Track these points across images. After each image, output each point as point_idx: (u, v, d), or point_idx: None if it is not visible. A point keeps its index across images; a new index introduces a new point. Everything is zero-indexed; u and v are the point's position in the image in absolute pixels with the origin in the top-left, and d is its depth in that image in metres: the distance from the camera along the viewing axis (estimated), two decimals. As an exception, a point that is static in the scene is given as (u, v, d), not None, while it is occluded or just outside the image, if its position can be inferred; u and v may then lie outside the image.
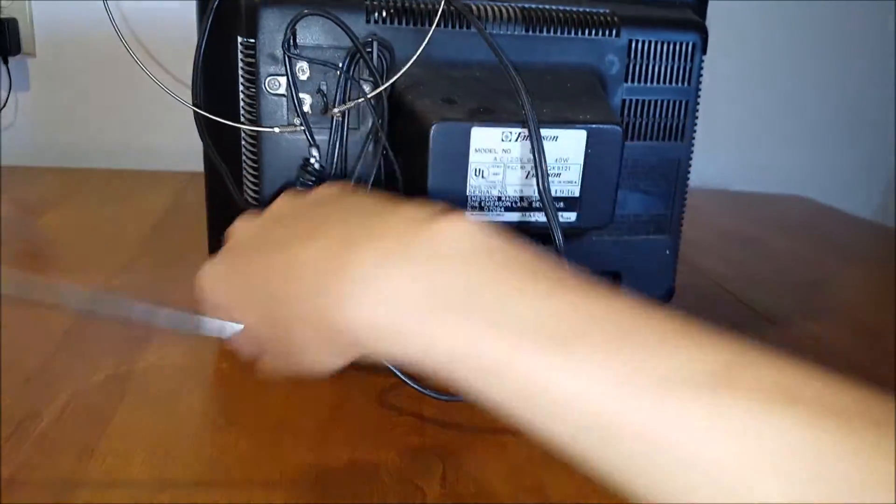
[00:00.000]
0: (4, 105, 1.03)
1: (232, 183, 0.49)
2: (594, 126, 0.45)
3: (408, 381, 0.48)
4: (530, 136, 0.42)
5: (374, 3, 0.47)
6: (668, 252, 0.57)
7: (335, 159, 0.48)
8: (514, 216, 0.45)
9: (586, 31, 0.51)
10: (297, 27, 0.46)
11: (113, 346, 0.54)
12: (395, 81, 0.46)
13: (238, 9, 0.47)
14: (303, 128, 0.47)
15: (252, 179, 0.50)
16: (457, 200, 0.44)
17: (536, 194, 0.44)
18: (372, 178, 0.47)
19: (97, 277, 0.67)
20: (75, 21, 1.01)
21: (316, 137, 0.48)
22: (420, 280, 0.26)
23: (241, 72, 0.48)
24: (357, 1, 0.47)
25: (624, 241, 0.56)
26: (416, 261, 0.27)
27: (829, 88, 1.31)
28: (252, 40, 0.47)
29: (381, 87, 0.46)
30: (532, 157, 0.42)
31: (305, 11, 0.45)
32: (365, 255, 0.27)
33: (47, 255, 0.74)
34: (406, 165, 0.46)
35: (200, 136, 0.51)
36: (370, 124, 0.48)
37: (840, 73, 1.30)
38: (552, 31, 0.50)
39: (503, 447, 0.45)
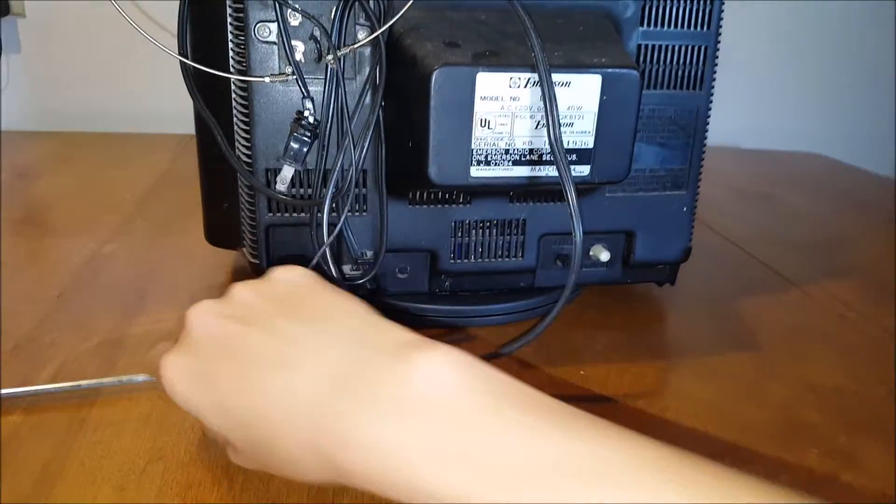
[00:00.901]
0: (-5, 67, 1.00)
1: (222, 138, 0.46)
2: (609, 70, 0.42)
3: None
4: (541, 80, 0.39)
5: (370, -59, 0.43)
6: (684, 209, 0.54)
7: (330, 111, 0.45)
8: (523, 170, 0.42)
9: (599, -28, 0.47)
10: (288, -32, 0.43)
11: (107, 311, 0.52)
12: (392, 25, 0.43)
13: (224, -50, 0.44)
14: (295, 77, 0.44)
15: (244, 135, 0.47)
16: (461, 154, 0.41)
17: (547, 146, 0.41)
18: (370, 133, 0.45)
19: (90, 241, 0.64)
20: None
21: (310, 88, 0.45)
22: (408, 430, 0.27)
23: (229, 19, 0.45)
24: (352, -61, 0.43)
25: (639, 197, 0.53)
26: (403, 410, 0.28)
27: (847, 42, 1.26)
28: (239, -17, 0.43)
29: (378, 31, 0.42)
30: (542, 104, 0.39)
31: (296, -50, 0.42)
32: (356, 402, 0.28)
33: (42, 219, 0.72)
34: (405, 117, 0.43)
35: (188, 88, 0.48)
36: (367, 73, 0.45)
37: (858, 26, 1.25)
38: (563, -29, 0.47)
39: None
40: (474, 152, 0.41)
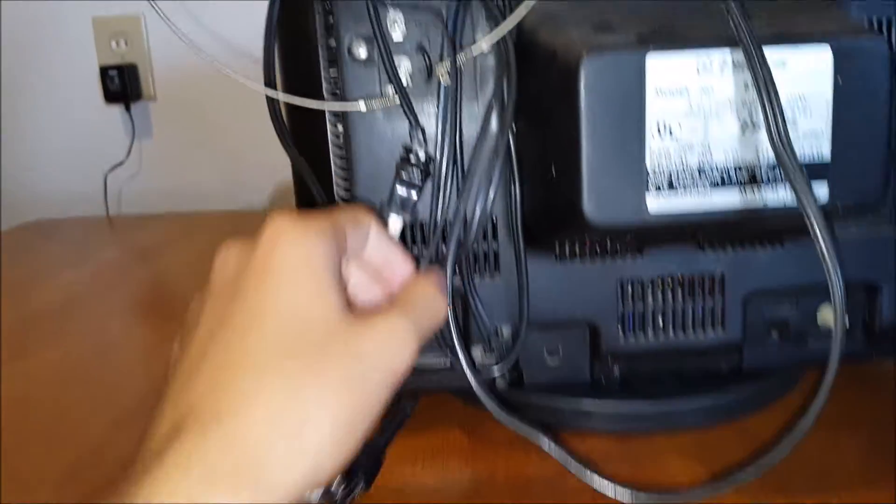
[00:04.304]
0: (129, 154, 1.00)
1: (315, 184, 0.36)
2: (845, 41, 0.28)
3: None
4: (748, 57, 0.26)
5: (488, -80, 0.33)
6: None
7: (446, 143, 0.34)
8: (729, 196, 0.28)
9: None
10: (385, -35, 0.33)
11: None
12: (522, 16, 0.31)
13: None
14: (399, 100, 0.33)
15: (342, 182, 0.37)
16: (630, 177, 0.28)
17: (764, 157, 0.27)
18: (499, 167, 0.33)
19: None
20: (194, 62, 0.96)
21: (420, 116, 0.34)
22: None
23: (319, 38, 0.36)
24: (464, -80, 0.33)
25: (882, 235, 0.37)
26: None
27: None
28: (328, -9, 0.34)
29: (504, 24, 0.31)
30: (755, 93, 0.26)
31: (393, -60, 0.32)
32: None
33: (156, 298, 0.67)
34: (547, 135, 0.31)
35: (276, 128, 0.39)
36: (492, 89, 0.34)
37: None
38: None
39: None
40: (651, 174, 0.28)
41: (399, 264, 0.29)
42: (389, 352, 0.24)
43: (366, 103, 0.34)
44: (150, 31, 0.98)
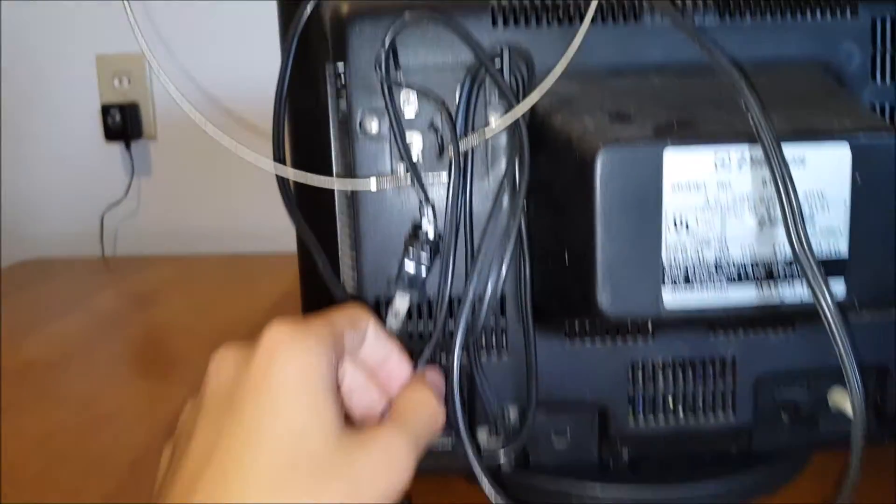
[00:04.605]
0: (127, 193, 0.99)
1: (323, 260, 0.36)
2: (861, 138, 0.28)
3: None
4: (767, 155, 0.25)
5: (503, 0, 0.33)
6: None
7: (455, 221, 0.33)
8: (746, 292, 0.28)
9: (809, 13, 0.34)
10: (398, 42, 0.33)
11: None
12: (536, 100, 0.31)
13: (323, 29, 0.35)
14: (410, 179, 0.33)
15: (349, 257, 0.36)
16: (646, 272, 0.28)
17: (781, 254, 0.27)
18: (510, 248, 0.33)
19: (188, 385, 0.56)
20: (197, 103, 0.96)
21: (430, 193, 0.34)
22: None
23: (330, 111, 0.36)
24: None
25: (892, 319, 0.37)
26: None
27: None
28: (341, 65, 0.34)
29: (517, 108, 0.31)
30: (773, 189, 0.26)
31: (407, 18, 0.32)
32: None
33: (155, 348, 0.66)
34: (560, 222, 0.31)
35: (284, 201, 0.38)
36: (503, 168, 0.34)
37: None
38: (760, 15, 0.34)
39: None
40: (667, 268, 0.27)
41: (396, 364, 0.29)
42: (387, 471, 0.23)
43: (376, 181, 0.34)
44: (153, 70, 0.98)
